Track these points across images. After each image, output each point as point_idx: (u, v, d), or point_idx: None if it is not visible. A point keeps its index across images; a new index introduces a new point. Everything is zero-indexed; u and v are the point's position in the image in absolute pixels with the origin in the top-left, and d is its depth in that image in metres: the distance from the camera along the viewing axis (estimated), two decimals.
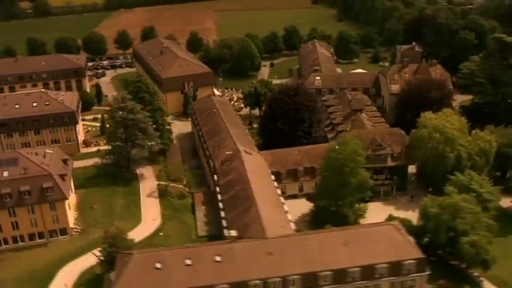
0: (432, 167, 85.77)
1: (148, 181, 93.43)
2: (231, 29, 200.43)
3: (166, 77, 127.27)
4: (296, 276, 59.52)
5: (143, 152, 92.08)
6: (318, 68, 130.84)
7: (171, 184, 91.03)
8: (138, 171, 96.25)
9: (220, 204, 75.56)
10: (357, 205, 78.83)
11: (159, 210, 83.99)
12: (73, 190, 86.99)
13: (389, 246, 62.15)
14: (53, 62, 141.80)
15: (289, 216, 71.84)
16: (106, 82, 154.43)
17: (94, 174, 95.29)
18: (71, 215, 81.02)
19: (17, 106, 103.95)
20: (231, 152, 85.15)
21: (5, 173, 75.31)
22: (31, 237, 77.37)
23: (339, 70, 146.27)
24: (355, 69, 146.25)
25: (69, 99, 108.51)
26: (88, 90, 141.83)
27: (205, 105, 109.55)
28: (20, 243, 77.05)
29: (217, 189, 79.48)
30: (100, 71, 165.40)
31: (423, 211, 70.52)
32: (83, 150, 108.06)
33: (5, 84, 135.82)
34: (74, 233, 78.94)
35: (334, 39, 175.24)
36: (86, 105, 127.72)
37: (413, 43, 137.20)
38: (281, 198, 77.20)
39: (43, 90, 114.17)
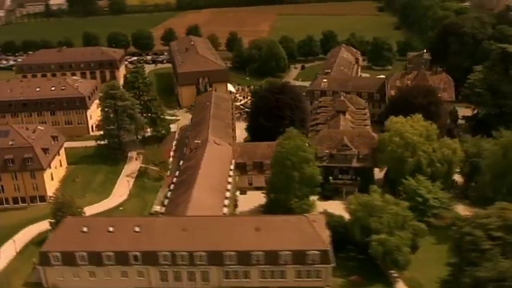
0: (393, 170, 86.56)
1: (134, 163, 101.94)
2: (282, 32, 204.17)
3: (181, 72, 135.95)
4: (202, 253, 64.60)
5: (130, 136, 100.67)
6: (329, 70, 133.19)
7: (152, 167, 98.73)
8: (130, 154, 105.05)
9: (171, 186, 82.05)
10: (304, 200, 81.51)
11: (130, 188, 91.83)
12: (63, 164, 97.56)
13: (296, 236, 65.28)
14: (91, 54, 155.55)
15: (226, 202, 76.64)
16: None
17: (91, 154, 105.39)
18: (52, 185, 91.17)
19: (37, 89, 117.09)
20: (199, 141, 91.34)
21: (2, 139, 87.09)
22: (15, 200, 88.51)
23: (365, 75, 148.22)
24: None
25: (84, 86, 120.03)
26: (121, 81, 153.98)
27: (204, 99, 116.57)
28: (5, 205, 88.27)
29: (177, 173, 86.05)
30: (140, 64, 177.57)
31: (347, 208, 72.51)
32: (94, 132, 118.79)
33: (48, 72, 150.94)
34: (51, 200, 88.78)
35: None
36: None
37: (424, 50, 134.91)
38: (229, 186, 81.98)
39: (65, 77, 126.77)
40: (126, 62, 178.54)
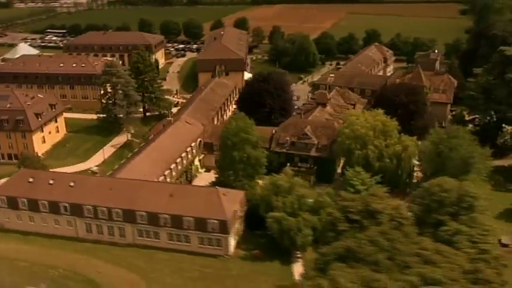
0: (345, 162, 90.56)
1: (123, 137, 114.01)
2: (345, 30, 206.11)
3: (200, 59, 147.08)
4: (119, 210, 74.50)
5: (122, 110, 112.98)
6: (340, 67, 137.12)
7: (136, 140, 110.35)
8: (126, 129, 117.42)
9: (129, 155, 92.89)
10: (247, 180, 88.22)
11: (107, 156, 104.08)
12: (60, 131, 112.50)
13: (202, 205, 72.96)
14: (130, 38, 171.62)
15: (166, 172, 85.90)
16: (181, 61, 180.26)
17: (91, 125, 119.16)
18: (44, 147, 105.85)
19: (61, 65, 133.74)
20: (171, 119, 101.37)
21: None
22: (9, 156, 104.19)
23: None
24: None
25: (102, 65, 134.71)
26: (161, 65, 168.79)
27: (205, 85, 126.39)
28: (1, 160, 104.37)
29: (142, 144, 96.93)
30: (181, 52, 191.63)
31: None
32: None
33: (91, 52, 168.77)
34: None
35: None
36: None
37: (436, 51, 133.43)
38: (179, 160, 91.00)
39: (87, 55, 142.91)
40: (172, 49, 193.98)
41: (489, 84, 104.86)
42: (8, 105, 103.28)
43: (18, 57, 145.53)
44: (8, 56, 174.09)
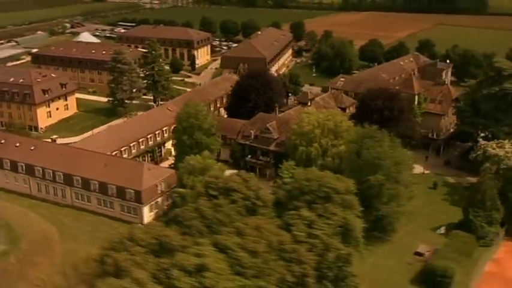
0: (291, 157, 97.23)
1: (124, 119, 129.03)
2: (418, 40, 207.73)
3: (224, 56, 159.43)
4: (61, 173, 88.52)
5: (124, 94, 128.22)
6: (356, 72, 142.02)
7: None
8: (128, 113, 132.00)
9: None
10: None
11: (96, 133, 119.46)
12: (70, 109, 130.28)
13: (126, 176, 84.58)
14: (176, 33, 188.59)
15: (123, 149, 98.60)
16: None
17: (102, 107, 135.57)
18: (48, 121, 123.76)
19: (93, 51, 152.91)
20: (154, 105, 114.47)
21: (11, 79, 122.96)
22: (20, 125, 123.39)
23: None
24: None
25: (132, 54, 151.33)
26: (197, 60, 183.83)
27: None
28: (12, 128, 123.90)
29: None
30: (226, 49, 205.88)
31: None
32: None
33: (140, 44, 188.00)
34: (41, 131, 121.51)
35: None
36: (175, 69, 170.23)
37: (447, 61, 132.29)
38: (143, 139, 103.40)
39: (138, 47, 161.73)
40: (225, 47, 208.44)
41: (477, 97, 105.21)
42: (21, 81, 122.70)
43: (61, 43, 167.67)
44: None
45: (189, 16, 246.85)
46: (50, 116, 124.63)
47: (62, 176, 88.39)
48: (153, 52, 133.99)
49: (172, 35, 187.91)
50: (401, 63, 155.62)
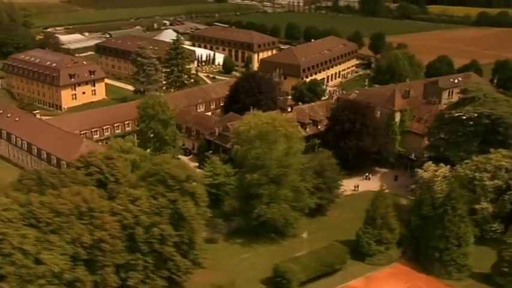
0: None
1: None
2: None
3: (264, 60, 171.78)
4: (25, 141, 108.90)
5: (142, 85, 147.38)
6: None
7: None
8: None
9: None
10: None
11: None
12: (98, 95, 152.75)
13: (66, 148, 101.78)
14: (241, 35, 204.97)
15: (93, 129, 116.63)
16: None
17: (129, 95, 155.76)
18: (73, 103, 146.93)
19: (129, 43, 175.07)
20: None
21: (48, 62, 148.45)
22: (50, 104, 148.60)
23: None
24: None
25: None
26: (256, 63, 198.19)
27: None
28: (44, 106, 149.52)
29: None
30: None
31: None
32: None
33: (209, 43, 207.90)
34: (64, 110, 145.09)
35: None
36: (226, 69, 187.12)
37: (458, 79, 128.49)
38: (117, 125, 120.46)
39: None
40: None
41: (444, 119, 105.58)
42: (54, 65, 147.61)
43: (123, 36, 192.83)
44: (157, 37, 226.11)
45: (291, 21, 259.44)
46: (75, 99, 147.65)
47: (25, 145, 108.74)
48: (177, 49, 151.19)
49: (236, 37, 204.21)
50: (451, 80, 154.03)
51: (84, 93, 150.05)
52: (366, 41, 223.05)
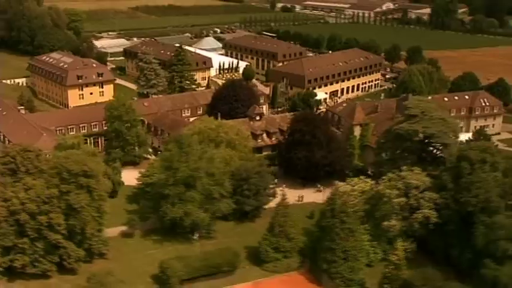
0: None
1: None
2: None
3: (272, 69, 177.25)
4: (1, 133, 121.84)
5: (141, 88, 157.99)
6: None
7: None
8: None
9: None
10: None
11: None
12: (106, 95, 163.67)
13: (28, 140, 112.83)
14: (267, 46, 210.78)
15: (69, 127, 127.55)
16: None
17: (134, 95, 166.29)
18: (80, 102, 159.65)
19: (162, 51, 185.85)
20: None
21: (61, 64, 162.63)
22: (60, 103, 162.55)
23: None
24: None
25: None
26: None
27: None
28: (55, 104, 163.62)
29: None
30: None
31: None
32: None
33: (239, 52, 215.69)
34: (70, 109, 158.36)
35: None
36: (246, 77, 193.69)
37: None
38: (95, 123, 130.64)
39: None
40: None
41: (387, 136, 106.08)
42: (65, 66, 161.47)
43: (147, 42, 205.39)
44: (194, 45, 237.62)
45: (341, 31, 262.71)
46: (82, 98, 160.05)
47: (1, 136, 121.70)
48: (179, 56, 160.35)
49: (264, 46, 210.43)
50: (466, 97, 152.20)
51: (91, 93, 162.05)
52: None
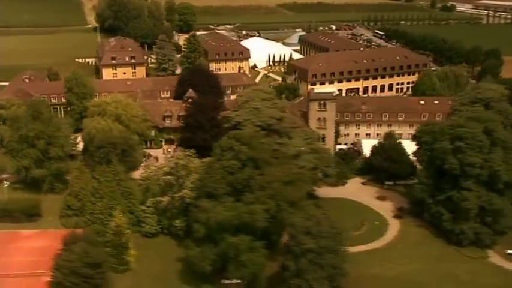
0: None
1: None
2: None
3: (289, 63, 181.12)
4: None
5: (156, 71, 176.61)
6: None
7: None
8: None
9: None
10: None
11: None
12: (137, 75, 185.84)
13: None
14: (335, 42, 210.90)
15: None
16: None
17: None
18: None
19: (221, 45, 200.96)
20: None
21: (106, 47, 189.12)
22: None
23: None
24: None
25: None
26: None
27: None
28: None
29: None
30: None
31: None
32: None
33: (310, 48, 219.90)
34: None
35: None
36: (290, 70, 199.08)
37: None
38: None
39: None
40: None
41: None
42: (106, 48, 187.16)
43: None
44: (287, 40, 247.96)
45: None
46: (116, 76, 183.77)
47: None
48: (192, 45, 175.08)
49: (322, 42, 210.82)
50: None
51: (124, 73, 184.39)
52: None
